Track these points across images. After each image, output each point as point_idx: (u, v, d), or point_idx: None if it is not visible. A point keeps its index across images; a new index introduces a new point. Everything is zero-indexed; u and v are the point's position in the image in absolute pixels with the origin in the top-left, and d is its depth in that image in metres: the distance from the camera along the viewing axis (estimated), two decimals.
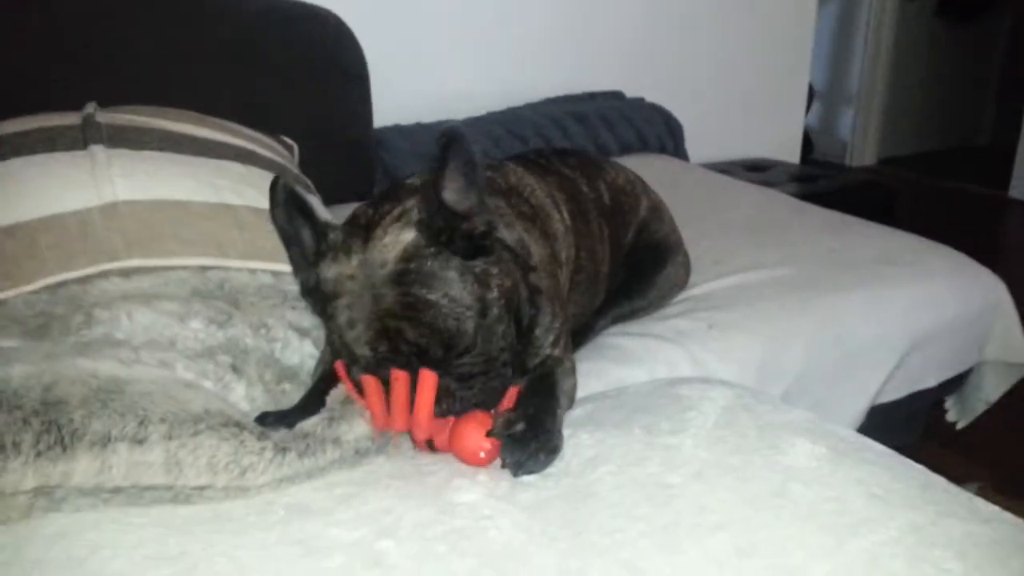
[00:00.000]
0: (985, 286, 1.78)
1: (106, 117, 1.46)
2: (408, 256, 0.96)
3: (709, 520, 0.87)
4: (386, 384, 0.97)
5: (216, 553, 0.80)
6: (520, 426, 0.98)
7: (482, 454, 0.97)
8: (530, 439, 0.98)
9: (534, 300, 1.12)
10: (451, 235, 0.97)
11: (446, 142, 0.94)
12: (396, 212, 1.01)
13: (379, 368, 0.97)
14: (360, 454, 0.94)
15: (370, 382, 0.98)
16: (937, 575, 0.79)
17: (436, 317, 0.94)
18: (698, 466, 0.96)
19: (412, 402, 0.95)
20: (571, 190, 1.43)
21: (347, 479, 0.92)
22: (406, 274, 0.95)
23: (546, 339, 1.14)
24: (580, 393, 1.26)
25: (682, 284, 1.65)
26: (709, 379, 1.25)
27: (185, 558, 0.79)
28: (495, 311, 0.99)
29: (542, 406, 1.03)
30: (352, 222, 1.06)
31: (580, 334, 1.45)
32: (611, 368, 1.39)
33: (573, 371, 1.17)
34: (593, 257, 1.41)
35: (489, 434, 0.97)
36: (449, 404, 0.98)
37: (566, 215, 1.35)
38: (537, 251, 1.18)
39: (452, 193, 0.97)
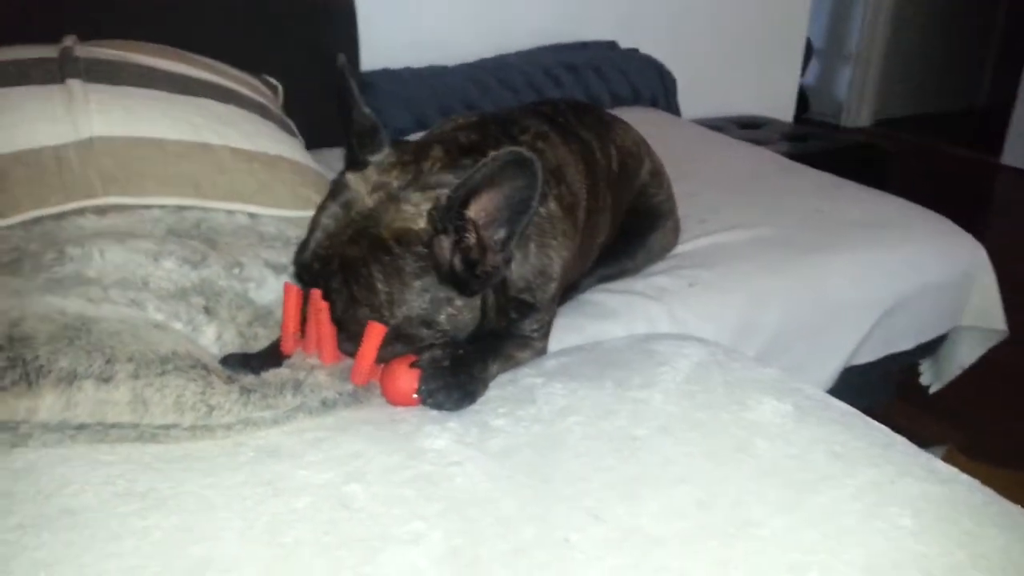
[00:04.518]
0: (967, 252, 1.78)
1: (84, 51, 1.43)
2: (400, 238, 0.94)
3: (672, 472, 0.88)
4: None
5: (184, 491, 0.80)
6: (445, 362, 0.98)
7: (415, 395, 0.97)
8: (449, 375, 0.98)
9: (520, 310, 1.12)
10: (452, 247, 0.94)
11: (511, 162, 0.88)
12: (449, 179, 0.98)
13: (302, 275, 0.98)
14: (327, 406, 0.94)
15: (291, 292, 0.98)
16: (891, 531, 0.81)
17: (361, 295, 0.94)
18: (665, 420, 0.97)
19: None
20: (590, 160, 1.36)
21: (318, 424, 0.93)
22: (383, 249, 0.93)
23: (529, 327, 1.15)
24: (557, 346, 1.26)
25: (670, 248, 1.65)
26: (684, 336, 1.26)
27: (153, 495, 0.80)
28: (425, 331, 0.97)
29: (475, 353, 1.03)
30: (419, 152, 1.03)
31: (564, 294, 1.45)
32: (590, 324, 1.39)
33: (533, 352, 1.16)
34: (593, 231, 1.37)
35: (413, 365, 0.97)
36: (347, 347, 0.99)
37: (586, 195, 1.30)
38: (561, 260, 1.16)
39: (483, 216, 0.93)
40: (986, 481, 0.94)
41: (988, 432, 2.11)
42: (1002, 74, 5.17)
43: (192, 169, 1.32)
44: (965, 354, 1.85)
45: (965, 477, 0.92)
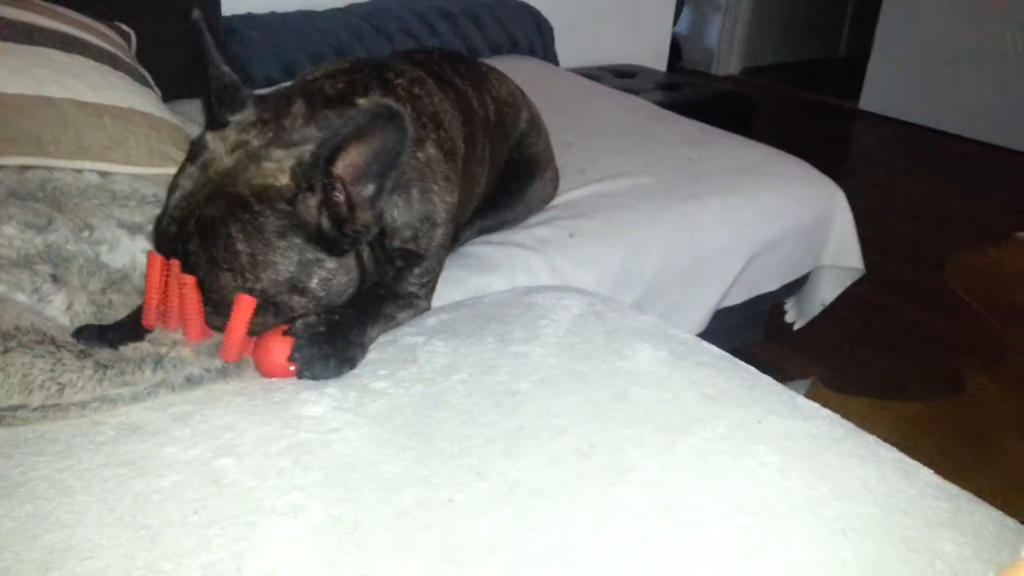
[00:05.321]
0: (826, 195, 1.88)
1: None
2: (260, 195, 0.88)
3: (553, 425, 0.89)
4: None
5: (37, 476, 0.75)
6: (320, 328, 0.94)
7: (292, 367, 0.93)
8: (324, 342, 0.94)
9: (407, 259, 1.10)
10: (319, 206, 0.90)
11: (379, 115, 0.85)
12: (312, 133, 0.93)
13: (159, 243, 0.93)
14: (192, 382, 0.88)
15: (154, 262, 0.91)
16: (758, 468, 0.85)
17: (221, 257, 0.88)
18: (546, 373, 0.98)
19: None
20: (467, 109, 1.33)
21: (185, 398, 0.88)
22: (244, 207, 0.88)
23: (418, 280, 1.13)
24: (439, 301, 1.25)
25: (549, 199, 1.65)
26: (564, 288, 1.27)
27: (2, 482, 0.74)
28: (297, 298, 0.93)
29: (353, 316, 0.99)
30: (279, 106, 0.98)
31: None
32: (471, 277, 1.39)
33: (416, 311, 1.14)
34: (471, 181, 1.35)
35: (286, 333, 0.93)
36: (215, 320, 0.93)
37: (464, 145, 1.27)
38: (445, 205, 1.13)
39: (351, 172, 0.89)
40: (846, 410, 1.00)
41: (847, 364, 2.26)
42: (861, 25, 5.45)
43: (34, 125, 1.21)
44: (826, 292, 1.96)
45: (826, 412, 0.97)
